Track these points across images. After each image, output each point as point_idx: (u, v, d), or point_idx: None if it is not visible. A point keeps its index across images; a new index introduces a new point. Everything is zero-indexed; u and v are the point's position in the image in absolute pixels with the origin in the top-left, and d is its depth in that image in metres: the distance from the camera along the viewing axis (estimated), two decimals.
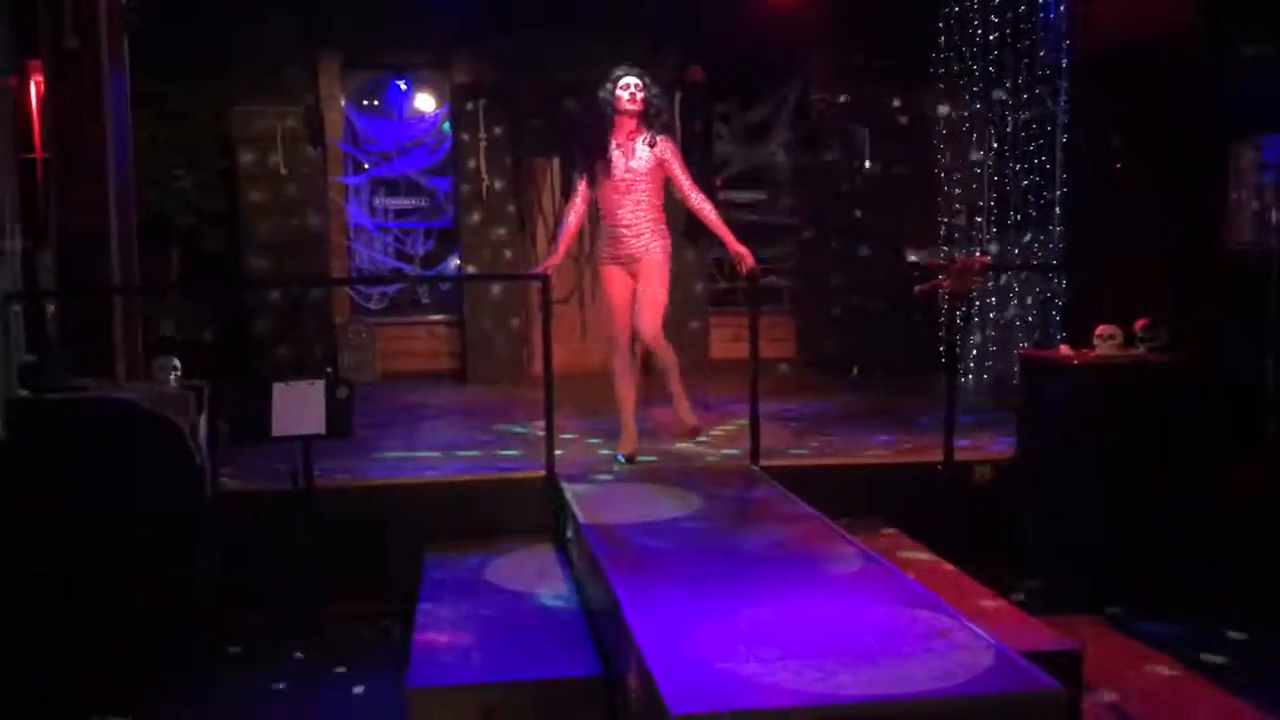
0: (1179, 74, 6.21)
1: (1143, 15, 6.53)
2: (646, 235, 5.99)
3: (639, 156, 5.92)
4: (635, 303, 6.03)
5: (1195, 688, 4.54)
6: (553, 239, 10.68)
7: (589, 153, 6.03)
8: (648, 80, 5.98)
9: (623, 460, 6.10)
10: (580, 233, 10.66)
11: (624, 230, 5.99)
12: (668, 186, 6.15)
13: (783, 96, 11.05)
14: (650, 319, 5.97)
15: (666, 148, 6.00)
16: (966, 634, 3.38)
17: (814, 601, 3.74)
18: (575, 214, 6.18)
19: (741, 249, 6.11)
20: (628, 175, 5.92)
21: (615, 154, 5.93)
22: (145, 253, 7.49)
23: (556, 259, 6.28)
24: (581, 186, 6.12)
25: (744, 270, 6.17)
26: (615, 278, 6.11)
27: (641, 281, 6.01)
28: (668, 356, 6.06)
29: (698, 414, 6.45)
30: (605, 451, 6.52)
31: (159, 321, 8.92)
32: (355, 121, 10.67)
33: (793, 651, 3.24)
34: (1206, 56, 6.07)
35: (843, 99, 10.78)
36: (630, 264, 6.04)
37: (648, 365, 6.45)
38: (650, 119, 5.96)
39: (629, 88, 5.90)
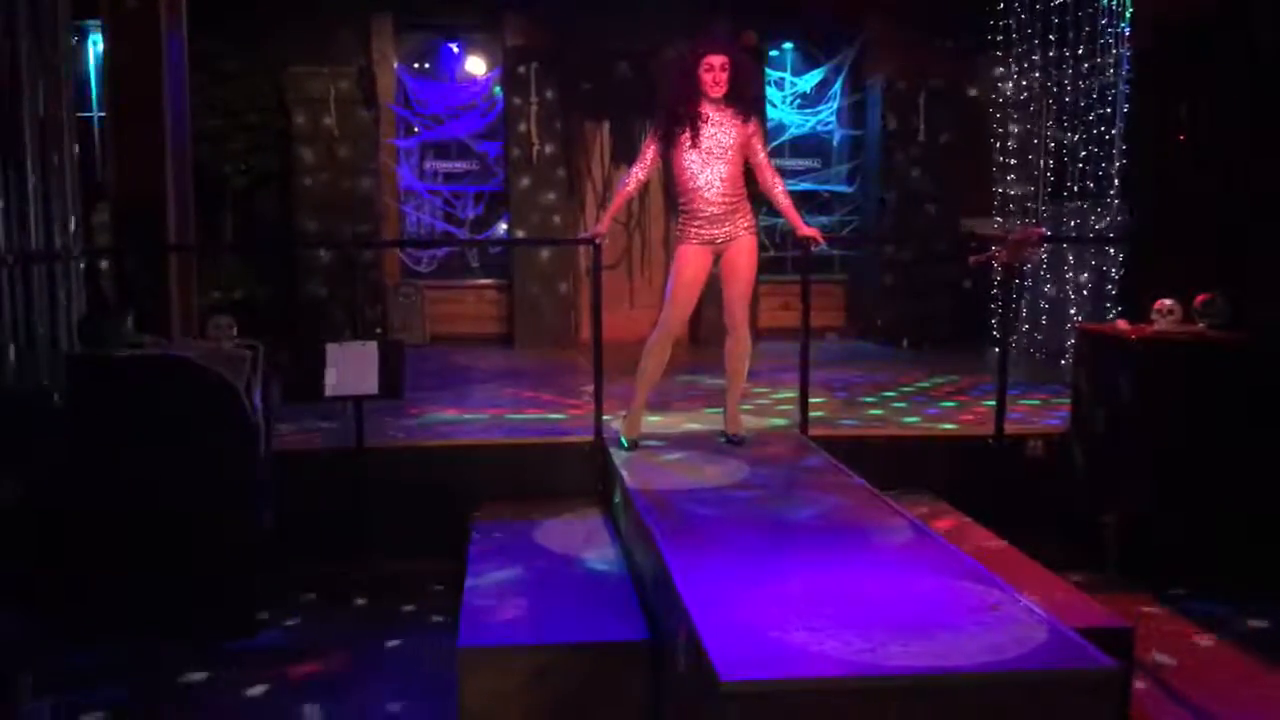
0: (1246, 44, 6.05)
1: None
2: (737, 215, 5.45)
3: (723, 134, 5.37)
4: (724, 286, 5.54)
5: (1252, 670, 4.48)
6: (603, 204, 10.72)
7: (671, 118, 5.43)
8: (734, 54, 5.42)
9: (626, 445, 5.69)
10: (629, 200, 10.82)
11: (713, 209, 5.41)
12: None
13: (837, 64, 10.92)
14: (744, 304, 5.55)
15: (754, 125, 5.49)
16: (1018, 609, 3.35)
17: (863, 572, 3.73)
18: (635, 180, 5.62)
19: (811, 231, 5.82)
20: (711, 154, 5.37)
21: (699, 127, 5.37)
22: (199, 213, 7.58)
23: (604, 226, 5.97)
24: (650, 151, 5.54)
25: (811, 247, 5.94)
26: (695, 259, 5.48)
27: (732, 266, 5.49)
28: (746, 346, 5.64)
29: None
30: (653, 418, 6.51)
31: (213, 281, 9.02)
32: (407, 84, 10.69)
33: (842, 621, 3.23)
34: (1274, 26, 5.90)
35: (898, 65, 10.62)
36: (718, 246, 5.48)
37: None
38: (736, 98, 5.40)
39: (713, 68, 5.30)
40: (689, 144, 5.38)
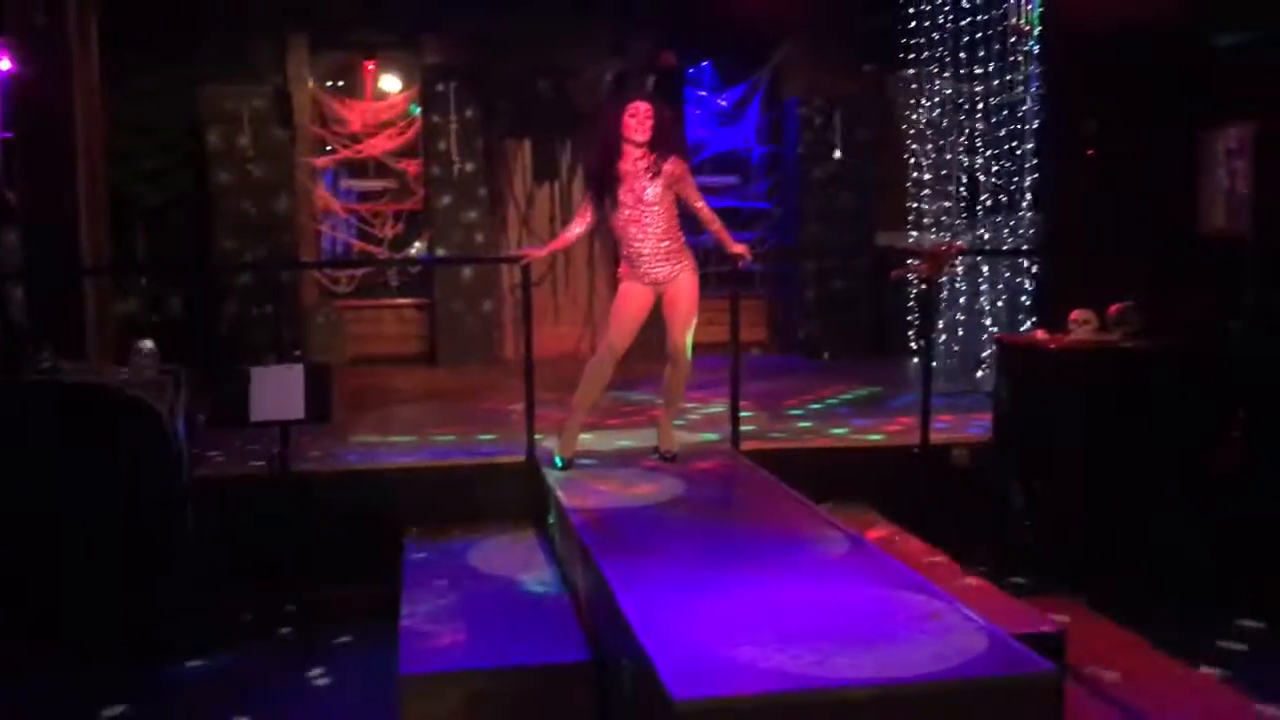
0: (1155, 62, 6.27)
1: (1120, 5, 6.58)
2: (672, 260, 5.48)
3: (650, 185, 5.38)
4: (667, 322, 5.58)
5: (1177, 667, 4.61)
6: (524, 221, 10.71)
7: (598, 181, 5.52)
8: (658, 104, 5.46)
9: (561, 465, 5.64)
10: (551, 216, 10.82)
11: (645, 259, 5.47)
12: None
13: (755, 80, 11.05)
14: (686, 337, 5.57)
15: (677, 168, 5.46)
16: (958, 617, 3.41)
17: (804, 585, 3.76)
18: (575, 232, 5.70)
19: (740, 248, 5.85)
20: (639, 206, 5.40)
21: (624, 184, 5.40)
22: (111, 233, 7.40)
23: (539, 253, 6.13)
24: (588, 213, 5.60)
25: (739, 264, 5.99)
26: (638, 296, 5.53)
27: (673, 303, 5.53)
28: (685, 374, 5.69)
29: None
30: (585, 436, 6.49)
31: (127, 304, 8.80)
32: (324, 102, 10.55)
33: (787, 635, 3.26)
34: (1181, 44, 6.13)
35: (815, 82, 10.78)
36: (660, 287, 5.53)
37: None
38: (660, 143, 5.41)
39: (636, 114, 5.35)
40: (621, 202, 5.41)
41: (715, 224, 5.70)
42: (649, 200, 5.40)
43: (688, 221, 5.69)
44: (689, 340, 5.60)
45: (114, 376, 5.10)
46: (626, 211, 5.43)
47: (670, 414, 5.89)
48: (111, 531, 4.77)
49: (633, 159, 5.39)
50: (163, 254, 9.73)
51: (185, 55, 9.64)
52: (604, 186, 5.46)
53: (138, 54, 9.04)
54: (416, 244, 10.80)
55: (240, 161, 9.91)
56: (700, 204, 5.63)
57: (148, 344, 5.37)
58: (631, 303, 5.55)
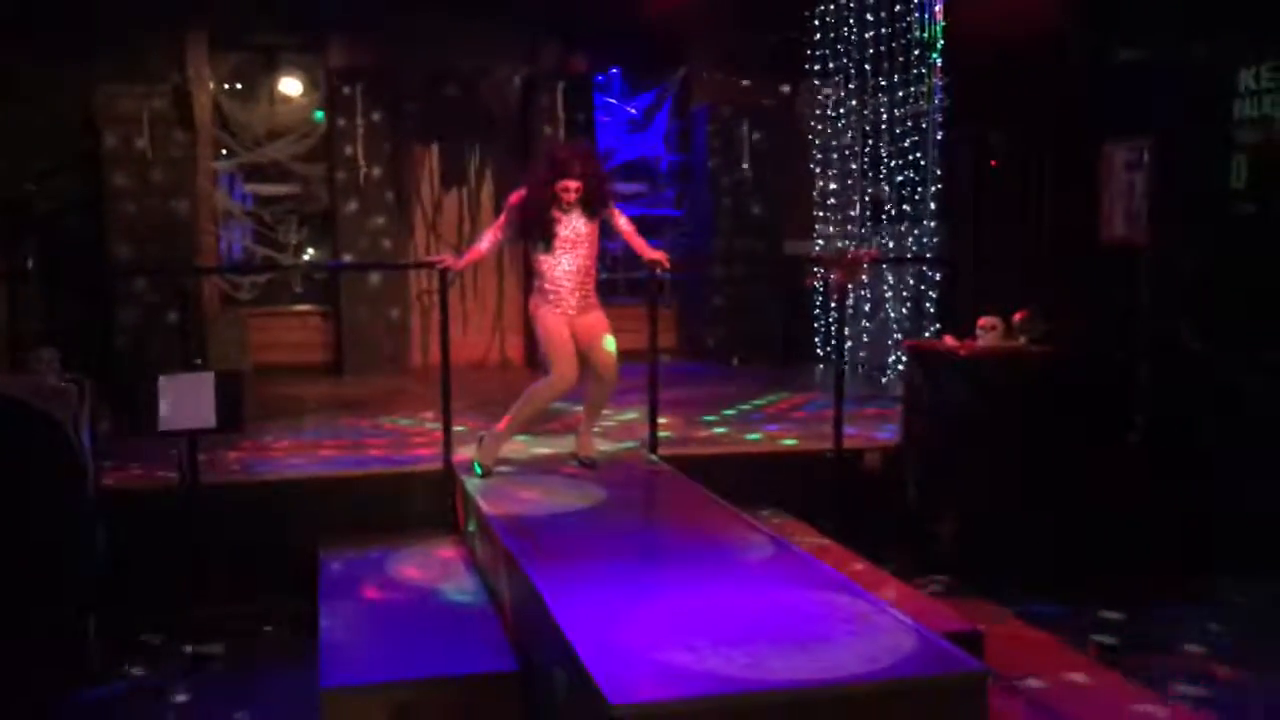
0: (1055, 76, 6.48)
1: (1019, 18, 6.78)
2: (584, 296, 5.67)
3: (578, 225, 5.58)
4: (588, 351, 5.69)
5: (1090, 666, 4.74)
6: (432, 227, 10.61)
7: (528, 230, 5.62)
8: (589, 169, 5.59)
9: (480, 473, 5.63)
10: (460, 221, 10.73)
11: (563, 291, 5.62)
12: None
13: (664, 88, 11.12)
14: (610, 353, 5.70)
15: (607, 211, 5.71)
16: (887, 618, 3.47)
17: (733, 589, 3.79)
18: (489, 242, 5.78)
19: (658, 254, 6.00)
20: (570, 240, 5.58)
21: (556, 232, 5.57)
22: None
23: (456, 264, 6.03)
24: (503, 229, 5.70)
25: (656, 270, 6.12)
26: (557, 322, 5.63)
27: (590, 333, 5.66)
28: (611, 387, 5.83)
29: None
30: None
31: (17, 311, 8.46)
32: (225, 104, 10.29)
33: (721, 638, 3.28)
34: (1081, 59, 6.34)
35: (723, 92, 10.89)
36: (572, 317, 5.65)
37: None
38: (592, 203, 5.59)
39: (568, 189, 5.49)
40: (544, 241, 5.58)
41: (636, 238, 5.93)
42: (580, 235, 5.59)
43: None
44: (612, 369, 5.72)
45: (11, 385, 4.89)
46: (553, 249, 5.58)
47: (590, 422, 5.95)
48: (11, 548, 4.57)
49: (565, 206, 5.54)
50: (57, 259, 9.35)
51: (79, 54, 9.30)
52: (533, 225, 5.58)
53: (27, 52, 8.70)
54: (310, 250, 10.61)
55: (138, 164, 9.61)
56: (622, 221, 5.84)
57: (49, 351, 5.18)
58: (561, 330, 5.62)
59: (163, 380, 5.24)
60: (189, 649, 4.98)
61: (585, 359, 5.71)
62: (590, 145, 5.81)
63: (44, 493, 4.64)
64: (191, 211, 9.87)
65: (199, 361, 9.20)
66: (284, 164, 10.44)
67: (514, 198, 5.69)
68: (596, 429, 6.66)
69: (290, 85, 10.58)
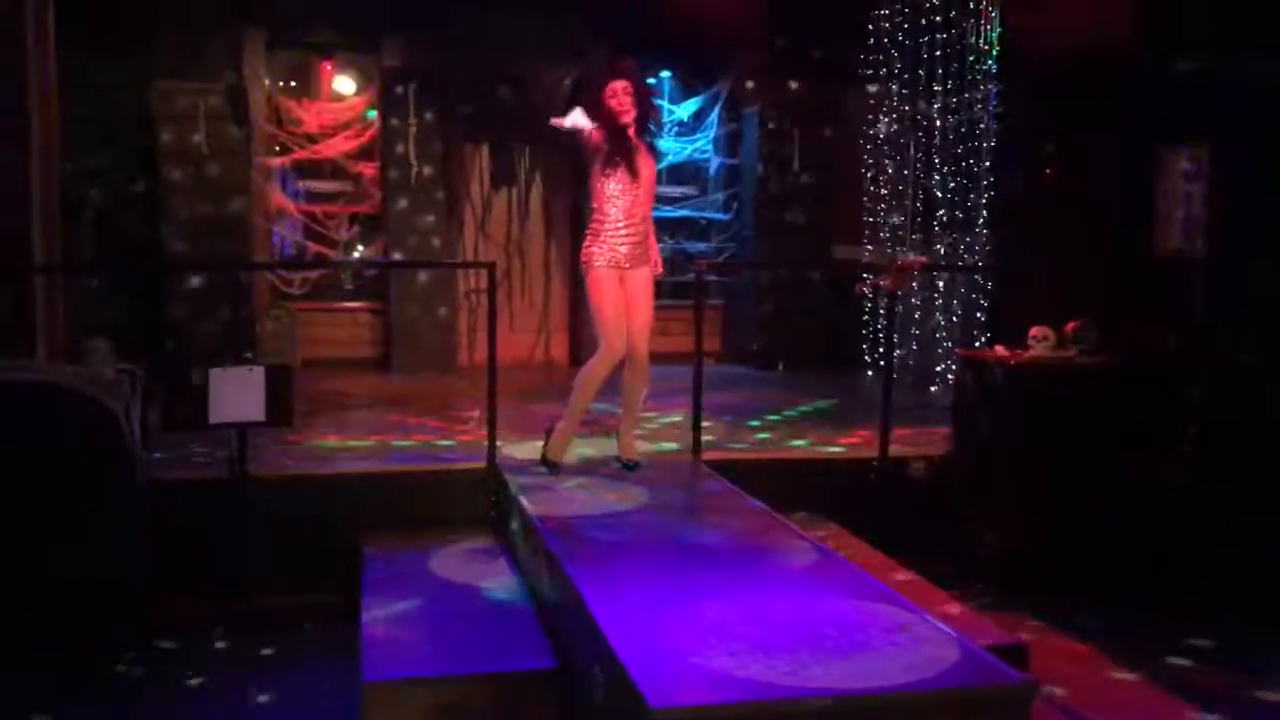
0: (1113, 84, 6.39)
1: (1079, 26, 6.70)
2: (641, 245, 5.53)
3: (643, 164, 5.42)
4: (627, 318, 5.49)
5: (1133, 680, 4.67)
6: (481, 226, 10.65)
7: (605, 150, 5.34)
8: (638, 76, 5.40)
9: (545, 470, 5.65)
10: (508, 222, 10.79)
11: (622, 233, 5.44)
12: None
13: (714, 92, 11.10)
14: (643, 335, 5.58)
15: (653, 159, 5.57)
16: (929, 628, 3.43)
17: (775, 595, 3.77)
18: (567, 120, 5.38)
19: (659, 268, 5.84)
20: (634, 181, 5.39)
21: (629, 154, 5.36)
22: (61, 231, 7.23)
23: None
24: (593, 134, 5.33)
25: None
26: (609, 283, 5.45)
27: (633, 300, 5.50)
28: (645, 376, 5.68)
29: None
30: (540, 444, 6.46)
31: (75, 302, 8.59)
32: (279, 102, 10.41)
33: (762, 645, 3.26)
34: (1140, 68, 6.25)
35: (774, 96, 10.86)
36: (625, 270, 5.48)
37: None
38: (645, 122, 5.43)
39: (617, 92, 5.30)
40: (617, 170, 5.38)
41: (650, 233, 5.72)
42: (643, 171, 5.41)
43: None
44: (647, 341, 5.60)
45: (67, 375, 4.98)
46: (618, 184, 5.38)
47: (630, 422, 5.85)
48: (63, 535, 4.65)
49: (626, 133, 5.35)
50: (113, 252, 9.51)
51: (139, 50, 9.46)
52: (618, 150, 5.32)
53: (88, 49, 8.85)
54: (360, 248, 10.71)
55: (194, 160, 9.76)
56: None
57: (103, 343, 5.26)
58: (611, 292, 5.45)
59: (213, 373, 5.30)
60: (232, 639, 5.04)
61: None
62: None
63: (96, 480, 4.71)
64: (245, 207, 10.00)
65: (250, 355, 9.40)
66: (337, 161, 10.55)
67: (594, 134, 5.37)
68: (639, 430, 6.69)
69: (344, 84, 10.70)
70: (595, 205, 5.53)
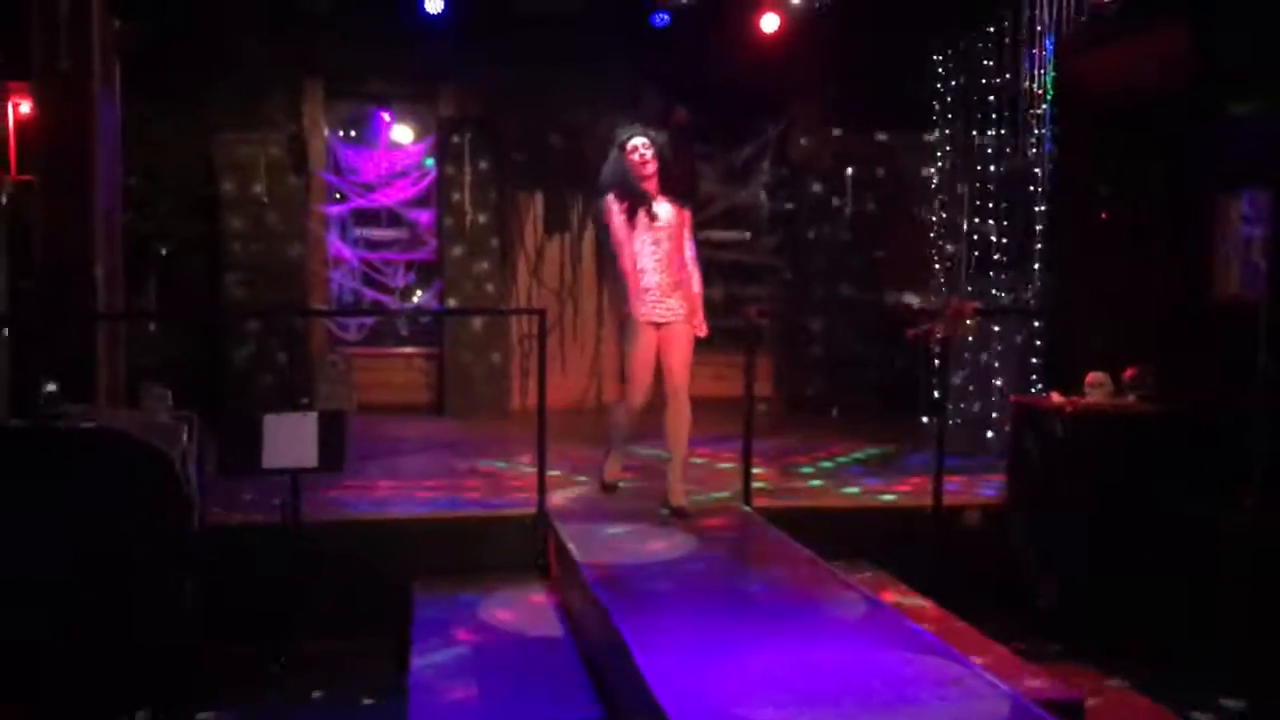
0: (1169, 128, 6.32)
1: (1135, 70, 6.65)
2: (675, 295, 5.69)
3: (663, 213, 5.67)
4: (664, 356, 5.70)
5: None
6: (535, 272, 10.75)
7: (628, 197, 5.65)
8: (653, 134, 5.73)
9: (606, 484, 6.02)
10: (561, 268, 10.87)
11: (653, 289, 5.64)
12: None
13: (765, 138, 11.13)
14: (683, 373, 5.74)
15: (688, 216, 5.81)
16: (980, 682, 3.37)
17: (823, 646, 3.72)
18: (630, 253, 5.69)
19: (704, 326, 5.89)
20: (655, 230, 5.65)
21: (646, 208, 5.65)
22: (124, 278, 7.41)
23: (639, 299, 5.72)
24: (623, 226, 5.68)
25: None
26: (646, 340, 5.66)
27: (671, 342, 5.70)
28: (685, 415, 5.79)
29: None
30: (588, 486, 6.48)
31: (136, 349, 8.77)
32: (338, 151, 10.61)
33: (809, 697, 3.22)
34: (1197, 112, 6.18)
35: (825, 141, 10.87)
36: (657, 327, 5.68)
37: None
38: (669, 179, 5.70)
39: (637, 150, 5.64)
40: (640, 224, 5.63)
41: (697, 287, 5.84)
42: (667, 224, 5.66)
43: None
44: (688, 376, 5.76)
45: (125, 420, 5.07)
46: (645, 235, 5.65)
47: (678, 467, 5.82)
48: (120, 579, 4.72)
49: (649, 187, 5.67)
50: (174, 299, 9.72)
51: (201, 102, 9.71)
52: (637, 202, 5.63)
53: (153, 100, 9.10)
54: (419, 293, 10.84)
55: (254, 208, 9.96)
56: (694, 258, 5.83)
57: (160, 388, 5.36)
58: (646, 349, 5.66)
59: (268, 419, 5.38)
60: (284, 683, 5.06)
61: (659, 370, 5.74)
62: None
63: (152, 525, 4.77)
64: (303, 254, 10.18)
65: (306, 400, 9.52)
66: (394, 209, 10.71)
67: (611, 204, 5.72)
68: (688, 479, 6.69)
69: (402, 133, 10.88)
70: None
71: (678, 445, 5.79)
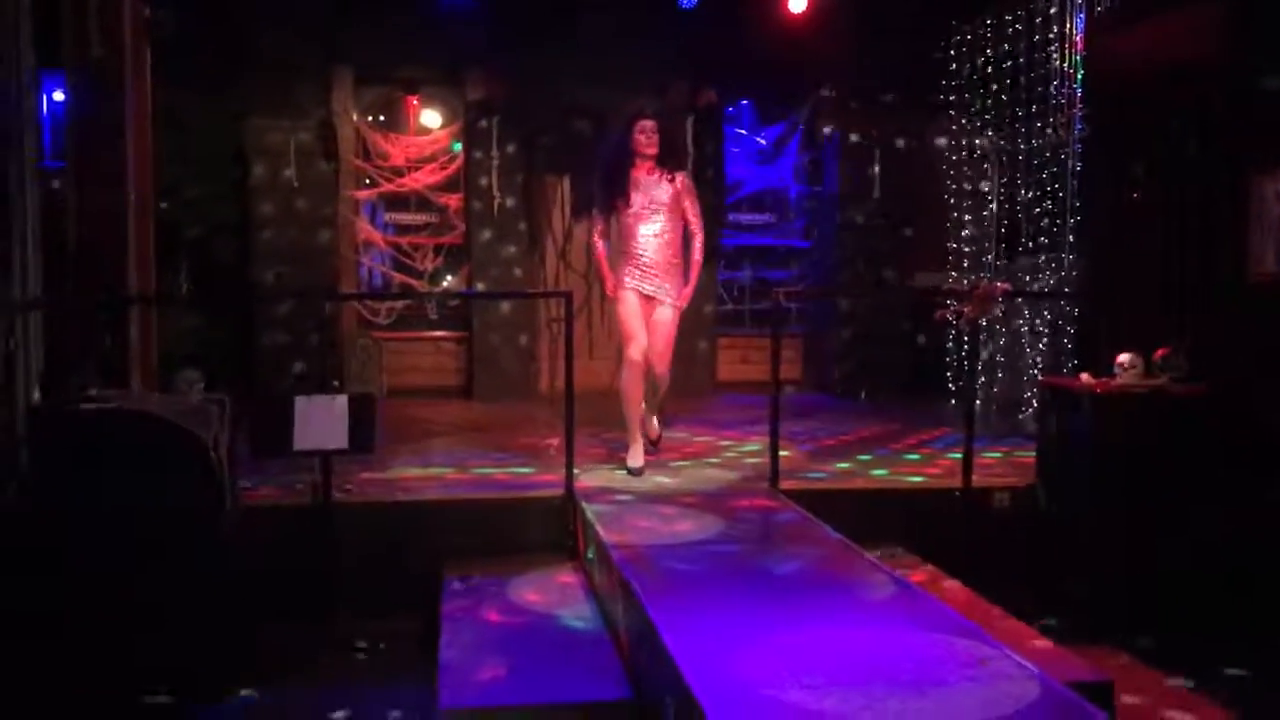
0: (1203, 105, 6.23)
1: (1165, 46, 6.56)
2: (666, 278, 6.31)
3: (659, 191, 6.23)
4: (649, 340, 6.31)
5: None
6: (562, 255, 10.77)
7: (609, 188, 6.28)
8: (663, 118, 6.30)
9: (630, 470, 6.32)
10: (589, 252, 10.86)
11: (645, 266, 6.29)
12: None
13: (794, 120, 11.08)
14: (664, 357, 6.40)
15: (684, 184, 6.32)
16: (1009, 664, 3.36)
17: (851, 627, 3.72)
18: (602, 247, 6.54)
19: (691, 286, 6.47)
20: (648, 208, 6.23)
21: (635, 190, 6.24)
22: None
23: (613, 285, 6.51)
24: (600, 219, 6.47)
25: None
26: (631, 301, 6.33)
27: (653, 331, 6.32)
28: (665, 387, 6.63)
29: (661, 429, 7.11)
30: (619, 471, 6.50)
31: (167, 332, 8.86)
32: (367, 136, 10.66)
33: (837, 679, 3.22)
34: (1230, 88, 6.09)
35: (853, 123, 10.81)
36: (650, 295, 6.34)
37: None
38: (668, 157, 6.25)
39: (645, 130, 6.18)
40: (625, 207, 6.27)
41: (697, 256, 6.44)
42: (658, 202, 6.23)
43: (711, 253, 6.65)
44: (669, 362, 6.46)
45: (157, 403, 5.12)
46: (635, 212, 6.25)
47: (650, 405, 6.66)
48: (153, 561, 4.78)
49: (645, 168, 6.26)
50: (205, 283, 9.81)
51: (231, 88, 9.77)
52: (615, 186, 6.24)
53: (184, 86, 9.16)
54: (449, 278, 10.87)
55: (284, 193, 10.02)
56: (694, 220, 6.37)
57: (193, 372, 5.41)
58: (630, 306, 6.32)
59: (298, 401, 5.44)
60: (313, 663, 5.11)
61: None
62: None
63: (185, 507, 4.83)
64: (333, 239, 10.24)
65: (337, 384, 9.59)
66: (422, 193, 10.75)
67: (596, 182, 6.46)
68: (716, 460, 6.81)
69: (430, 118, 10.91)
70: (619, 236, 6.41)
71: (652, 399, 6.62)
